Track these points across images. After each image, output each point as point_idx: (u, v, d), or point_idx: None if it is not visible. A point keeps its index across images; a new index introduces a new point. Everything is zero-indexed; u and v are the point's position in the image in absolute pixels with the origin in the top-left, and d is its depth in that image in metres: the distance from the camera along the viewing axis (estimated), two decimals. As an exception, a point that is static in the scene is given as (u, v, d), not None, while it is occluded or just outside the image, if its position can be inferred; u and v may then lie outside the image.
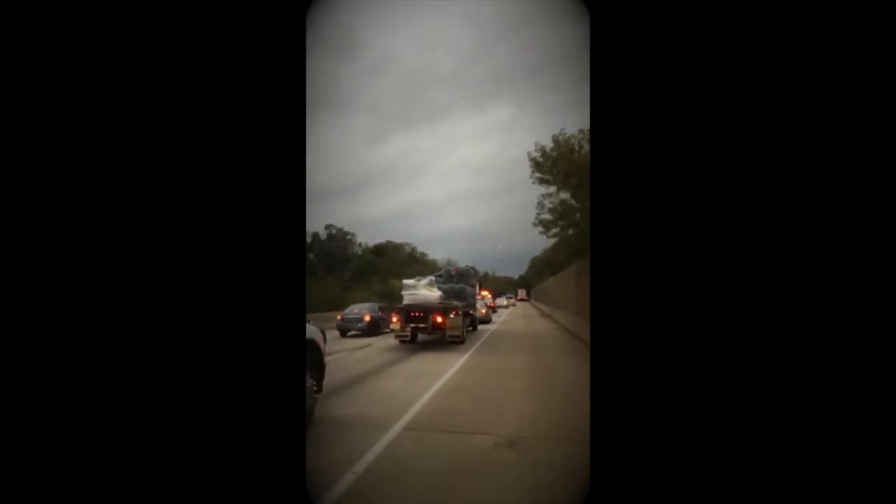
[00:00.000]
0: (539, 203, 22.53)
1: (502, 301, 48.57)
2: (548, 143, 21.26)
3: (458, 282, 14.17)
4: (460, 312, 11.96)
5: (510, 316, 29.60)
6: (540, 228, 22.59)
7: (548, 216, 22.40)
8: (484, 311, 20.51)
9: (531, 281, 73.86)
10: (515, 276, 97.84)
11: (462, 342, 11.93)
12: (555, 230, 22.53)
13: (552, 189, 21.73)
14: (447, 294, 12.64)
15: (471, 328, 15.58)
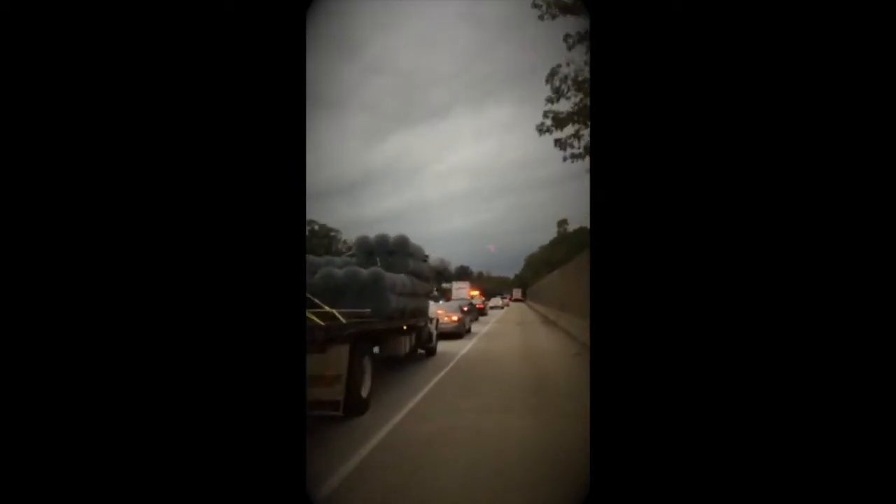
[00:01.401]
0: (552, 75, 10.84)
1: (497, 301, 48.88)
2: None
3: (385, 264, 7.73)
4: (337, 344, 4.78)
5: (500, 323, 24.06)
6: (553, 133, 11.17)
7: (568, 106, 10.79)
8: (456, 318, 14.70)
9: (527, 280, 74.30)
10: (511, 275, 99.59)
11: (342, 412, 4.61)
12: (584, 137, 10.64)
13: (584, 27, 9.92)
14: (327, 287, 6.48)
15: (422, 352, 9.96)
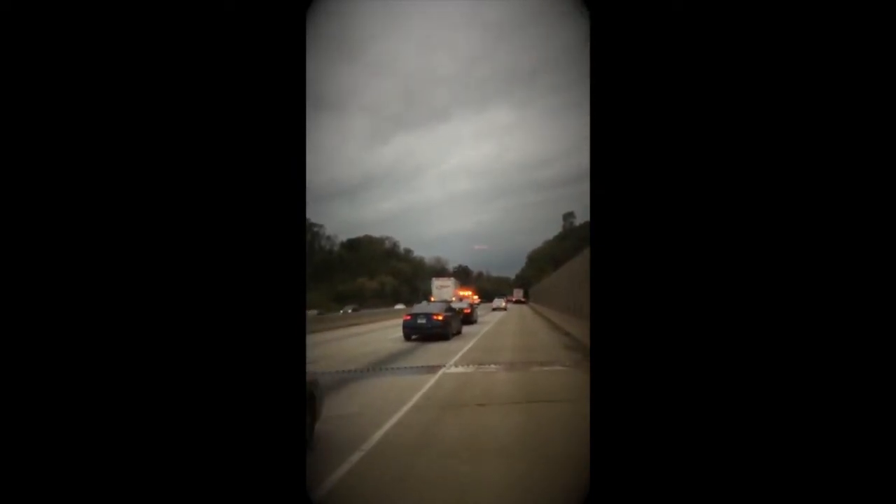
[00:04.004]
0: None
1: (500, 303, 46.00)
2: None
3: None
4: None
5: (473, 362, 10.48)
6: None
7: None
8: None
9: (529, 279, 74.36)
10: (512, 276, 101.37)
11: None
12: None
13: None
14: None
15: None
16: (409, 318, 15.85)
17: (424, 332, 15.38)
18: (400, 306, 44.31)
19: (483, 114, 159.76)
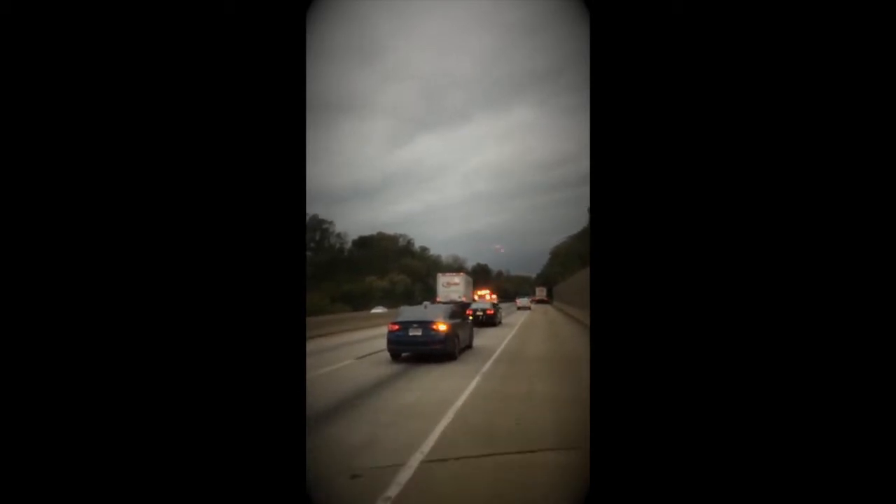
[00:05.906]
0: None
1: (525, 302, 45.94)
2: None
3: None
4: None
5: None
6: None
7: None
8: None
9: (552, 277, 73.84)
10: (533, 275, 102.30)
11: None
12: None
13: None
14: None
15: None
16: (396, 327, 11.28)
17: (418, 349, 11.07)
18: (379, 310, 34.85)
19: (503, 115, 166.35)
